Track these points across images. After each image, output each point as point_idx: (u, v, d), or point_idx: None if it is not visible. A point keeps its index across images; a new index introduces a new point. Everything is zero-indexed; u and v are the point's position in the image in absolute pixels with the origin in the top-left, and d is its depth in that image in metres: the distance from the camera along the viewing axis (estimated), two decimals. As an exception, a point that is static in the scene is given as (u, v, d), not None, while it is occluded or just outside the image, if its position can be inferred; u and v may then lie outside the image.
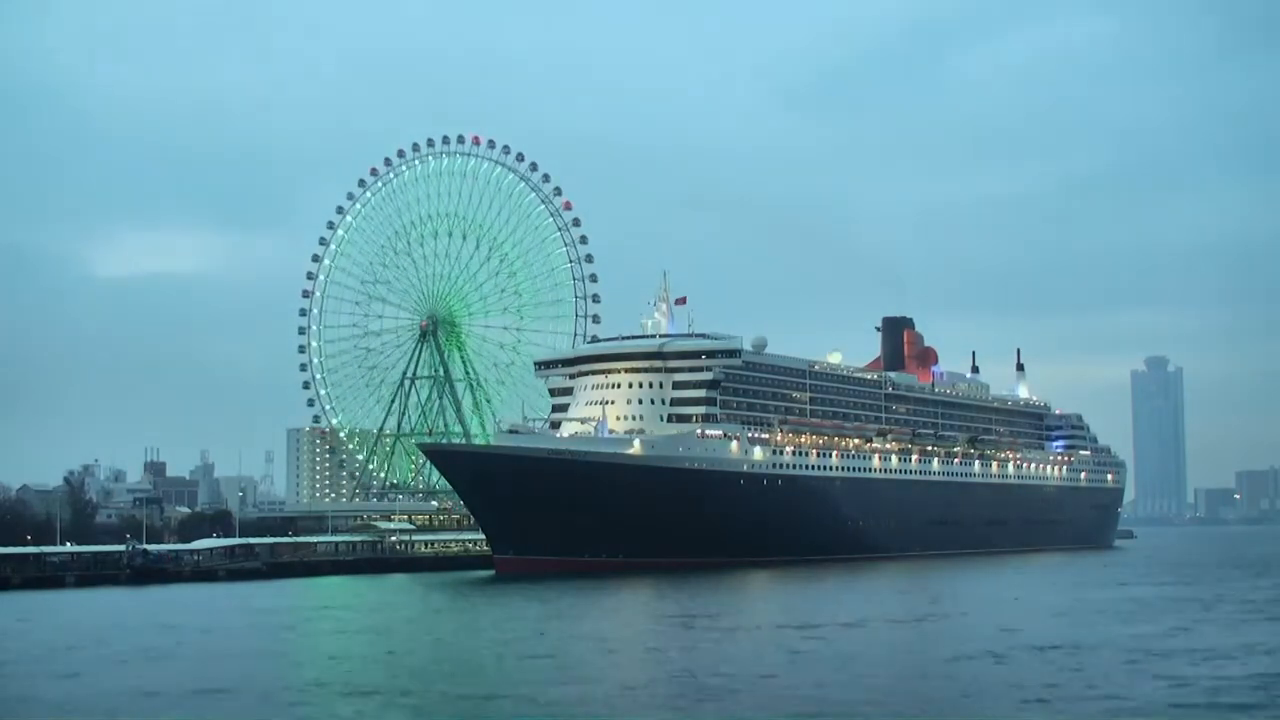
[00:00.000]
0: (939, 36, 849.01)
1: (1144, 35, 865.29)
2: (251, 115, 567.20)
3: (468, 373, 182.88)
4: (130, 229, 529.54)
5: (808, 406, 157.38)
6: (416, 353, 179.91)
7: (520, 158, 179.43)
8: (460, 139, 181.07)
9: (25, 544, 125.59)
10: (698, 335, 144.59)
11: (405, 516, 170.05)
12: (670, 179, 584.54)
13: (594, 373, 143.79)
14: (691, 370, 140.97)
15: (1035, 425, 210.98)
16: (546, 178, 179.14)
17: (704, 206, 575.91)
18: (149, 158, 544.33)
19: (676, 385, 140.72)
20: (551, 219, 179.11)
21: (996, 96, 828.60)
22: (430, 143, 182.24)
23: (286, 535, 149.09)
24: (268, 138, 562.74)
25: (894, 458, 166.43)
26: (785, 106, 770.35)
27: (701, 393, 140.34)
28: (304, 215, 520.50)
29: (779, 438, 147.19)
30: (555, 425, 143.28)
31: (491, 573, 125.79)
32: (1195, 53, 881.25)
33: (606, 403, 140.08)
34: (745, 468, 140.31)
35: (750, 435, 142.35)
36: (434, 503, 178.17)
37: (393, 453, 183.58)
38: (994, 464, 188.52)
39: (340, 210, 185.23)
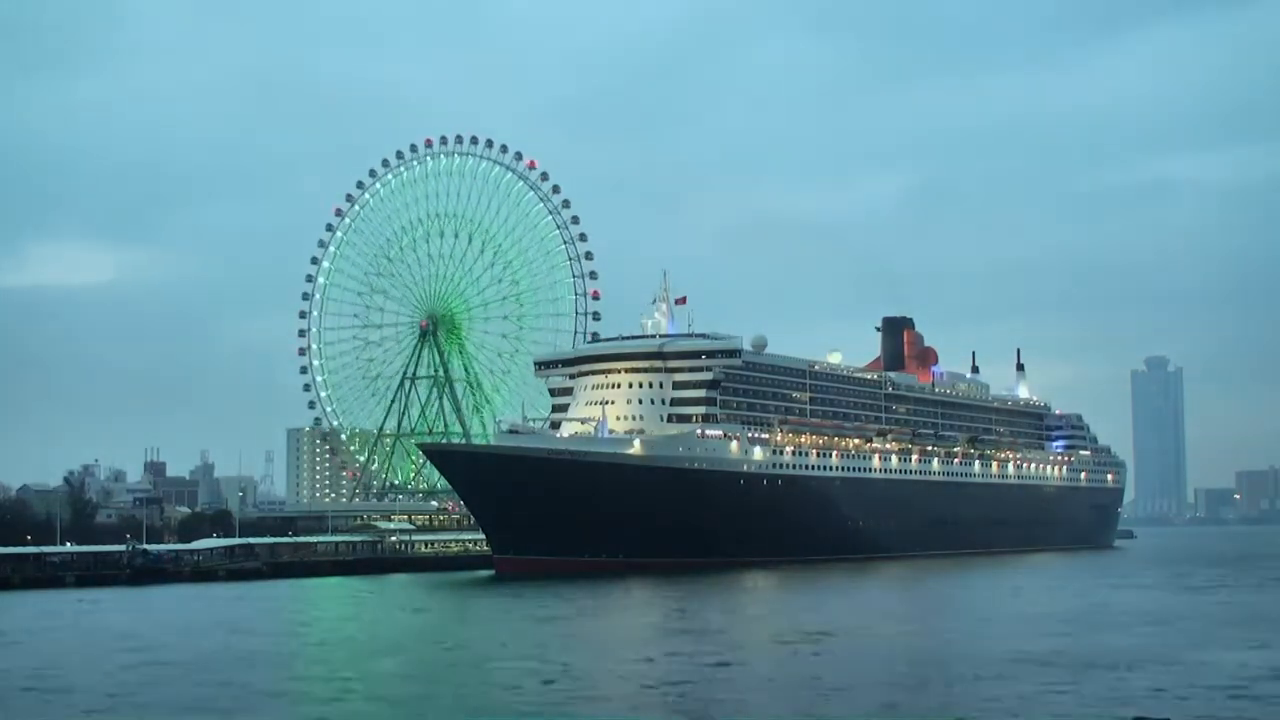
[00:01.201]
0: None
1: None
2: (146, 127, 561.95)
3: (467, 373, 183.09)
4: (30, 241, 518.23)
5: (808, 406, 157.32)
6: (416, 353, 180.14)
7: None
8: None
9: (25, 544, 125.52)
10: (698, 335, 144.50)
11: (405, 516, 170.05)
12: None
13: (594, 373, 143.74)
14: (691, 370, 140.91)
15: (1035, 425, 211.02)
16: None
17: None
18: (45, 172, 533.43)
19: (676, 385, 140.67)
20: (551, 218, 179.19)
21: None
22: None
23: (286, 535, 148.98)
24: (161, 151, 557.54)
25: (894, 458, 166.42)
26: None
27: (701, 393, 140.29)
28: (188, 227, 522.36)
29: (779, 438, 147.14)
30: (555, 425, 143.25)
31: (491, 573, 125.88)
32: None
33: (606, 403, 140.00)
34: (745, 468, 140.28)
35: (750, 435, 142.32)
36: (434, 503, 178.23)
37: (393, 453, 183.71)
38: (994, 464, 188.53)
39: (339, 213, 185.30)
